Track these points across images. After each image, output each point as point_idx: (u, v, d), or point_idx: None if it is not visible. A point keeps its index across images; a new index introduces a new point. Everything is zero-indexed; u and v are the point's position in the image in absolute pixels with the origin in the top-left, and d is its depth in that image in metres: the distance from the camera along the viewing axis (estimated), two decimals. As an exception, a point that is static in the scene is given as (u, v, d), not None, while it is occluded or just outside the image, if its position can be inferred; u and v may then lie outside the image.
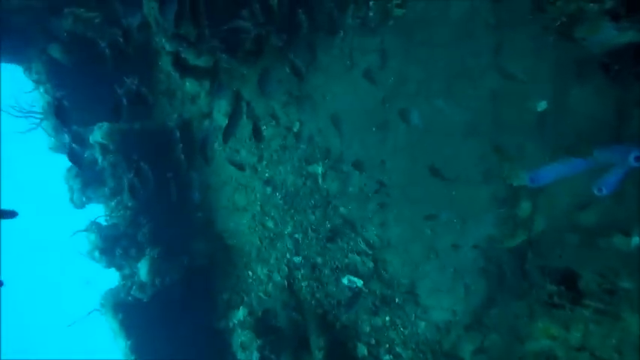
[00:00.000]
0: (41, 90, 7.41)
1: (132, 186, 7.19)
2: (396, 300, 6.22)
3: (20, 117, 7.35)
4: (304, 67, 6.78)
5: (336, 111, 6.47)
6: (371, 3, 5.76)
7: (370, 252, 6.36)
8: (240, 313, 7.04)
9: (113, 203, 7.04)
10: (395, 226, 6.04)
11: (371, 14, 5.90)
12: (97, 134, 6.90)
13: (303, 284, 7.01)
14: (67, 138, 7.19)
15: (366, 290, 6.41)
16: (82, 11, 7.01)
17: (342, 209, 6.59)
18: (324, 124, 6.65)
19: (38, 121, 7.44)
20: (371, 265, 6.37)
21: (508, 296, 5.29)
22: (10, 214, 3.74)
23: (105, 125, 6.91)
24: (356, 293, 6.44)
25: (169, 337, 6.83)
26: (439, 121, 5.52)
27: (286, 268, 7.18)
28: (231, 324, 7.29)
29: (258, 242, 7.47)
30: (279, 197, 7.21)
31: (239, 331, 6.83)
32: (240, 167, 6.50)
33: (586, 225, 4.67)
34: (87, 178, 7.04)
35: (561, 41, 4.56)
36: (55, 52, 7.51)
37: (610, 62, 4.21)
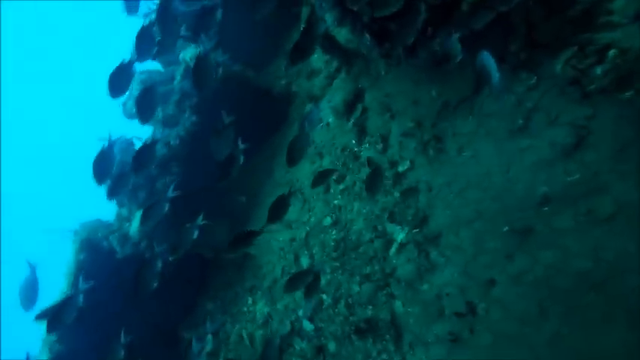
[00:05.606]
0: None
1: (188, 130, 5.86)
2: None
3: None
4: (455, 102, 4.83)
5: (465, 177, 4.39)
6: (610, 53, 3.57)
7: (401, 387, 4.13)
8: (210, 346, 5.23)
9: (159, 133, 5.74)
10: (457, 383, 3.74)
11: (598, 71, 3.71)
12: (188, 53, 5.67)
13: (296, 362, 4.98)
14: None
15: None
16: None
17: (398, 305, 4.45)
18: (440, 185, 4.58)
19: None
20: (392, 404, 4.13)
21: None
22: None
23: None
24: None
25: (119, 318, 5.26)
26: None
27: (289, 326, 5.21)
28: (195, 349, 5.48)
29: (279, 274, 5.62)
30: (333, 237, 5.29)
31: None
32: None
33: None
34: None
35: None
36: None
37: None
